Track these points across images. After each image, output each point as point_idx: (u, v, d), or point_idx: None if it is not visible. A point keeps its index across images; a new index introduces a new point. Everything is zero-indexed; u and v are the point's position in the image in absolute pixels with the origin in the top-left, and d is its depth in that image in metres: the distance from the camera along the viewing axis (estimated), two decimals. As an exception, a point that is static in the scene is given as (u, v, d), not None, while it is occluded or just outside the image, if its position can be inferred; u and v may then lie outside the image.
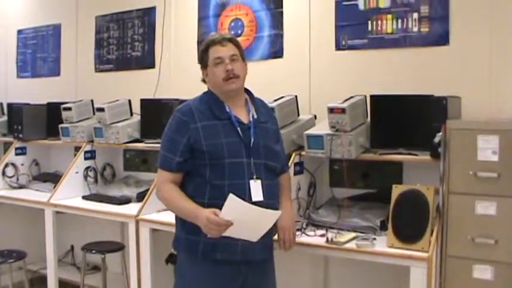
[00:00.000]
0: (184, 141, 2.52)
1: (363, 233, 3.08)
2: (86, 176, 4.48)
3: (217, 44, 2.58)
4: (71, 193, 4.31)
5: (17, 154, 4.95)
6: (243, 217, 2.34)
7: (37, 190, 4.71)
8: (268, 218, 2.46)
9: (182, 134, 2.53)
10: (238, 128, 2.56)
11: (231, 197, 2.31)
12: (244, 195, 2.44)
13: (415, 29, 3.46)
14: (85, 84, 5.19)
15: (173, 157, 2.54)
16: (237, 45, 2.63)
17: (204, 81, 2.68)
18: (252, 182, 2.51)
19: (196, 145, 2.51)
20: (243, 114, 2.63)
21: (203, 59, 2.63)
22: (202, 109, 2.57)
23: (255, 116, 2.64)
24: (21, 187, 4.86)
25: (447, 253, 2.77)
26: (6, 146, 5.15)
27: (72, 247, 4.98)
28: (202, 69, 2.67)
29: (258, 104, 2.72)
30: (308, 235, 3.10)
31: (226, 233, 2.37)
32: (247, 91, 2.70)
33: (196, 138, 2.51)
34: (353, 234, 3.04)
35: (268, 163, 2.61)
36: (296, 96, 3.65)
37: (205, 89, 2.69)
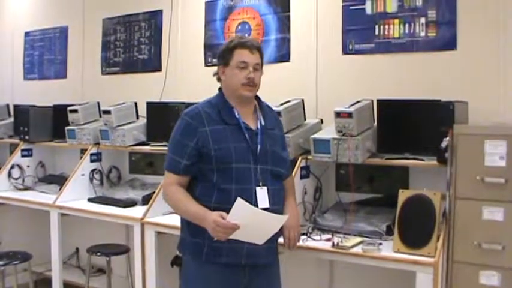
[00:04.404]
0: (193, 144, 2.52)
1: (368, 237, 3.07)
2: (91, 179, 4.49)
3: (247, 49, 2.56)
4: (76, 195, 4.32)
5: (23, 156, 4.97)
6: (250, 221, 2.34)
7: (43, 192, 4.72)
8: (274, 222, 2.46)
9: (190, 137, 2.53)
10: (246, 134, 2.56)
11: (239, 201, 2.31)
12: (251, 201, 2.44)
13: (423, 34, 3.46)
14: (91, 86, 5.20)
15: (181, 160, 2.54)
16: (261, 55, 2.63)
17: (217, 78, 2.66)
18: (258, 189, 2.51)
19: (205, 149, 2.51)
20: (251, 121, 2.63)
21: (225, 57, 2.59)
22: (211, 113, 2.57)
23: (263, 123, 2.64)
24: (26, 189, 4.87)
25: (454, 259, 2.76)
26: (13, 147, 5.16)
27: (77, 249, 5.00)
28: (220, 66, 2.63)
29: (265, 110, 2.72)
30: (314, 239, 3.09)
31: (233, 236, 2.37)
32: (256, 97, 2.70)
33: (205, 142, 2.51)
34: (359, 239, 3.03)
35: (275, 169, 2.62)
36: (303, 100, 3.65)
37: (213, 92, 2.68)
